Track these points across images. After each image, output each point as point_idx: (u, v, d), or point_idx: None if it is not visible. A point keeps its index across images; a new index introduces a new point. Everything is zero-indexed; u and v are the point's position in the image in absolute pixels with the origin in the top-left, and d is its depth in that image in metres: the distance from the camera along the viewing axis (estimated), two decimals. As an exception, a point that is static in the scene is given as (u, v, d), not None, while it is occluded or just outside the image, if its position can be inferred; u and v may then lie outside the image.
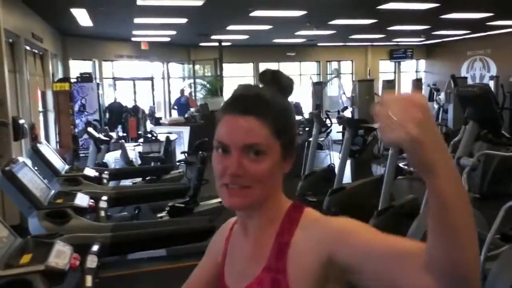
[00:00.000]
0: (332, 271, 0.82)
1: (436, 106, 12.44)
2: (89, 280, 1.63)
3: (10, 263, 1.80)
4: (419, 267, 0.70)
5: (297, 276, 0.84)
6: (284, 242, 0.88)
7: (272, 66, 17.29)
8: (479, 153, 3.95)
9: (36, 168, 3.55)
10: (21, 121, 5.76)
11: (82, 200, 3.02)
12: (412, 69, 19.35)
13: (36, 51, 8.77)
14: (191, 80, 16.20)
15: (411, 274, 0.71)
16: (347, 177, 6.39)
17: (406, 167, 7.79)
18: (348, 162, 6.44)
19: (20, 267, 1.80)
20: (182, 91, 13.48)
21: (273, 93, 0.91)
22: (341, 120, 6.81)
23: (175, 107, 13.25)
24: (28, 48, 7.85)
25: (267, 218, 0.92)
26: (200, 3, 8.07)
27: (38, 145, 3.73)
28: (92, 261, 2.03)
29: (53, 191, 3.11)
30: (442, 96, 11.68)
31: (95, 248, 2.23)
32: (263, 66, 17.30)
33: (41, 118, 9.01)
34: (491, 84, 11.78)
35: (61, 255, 1.93)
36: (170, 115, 13.31)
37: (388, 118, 0.64)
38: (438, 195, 0.65)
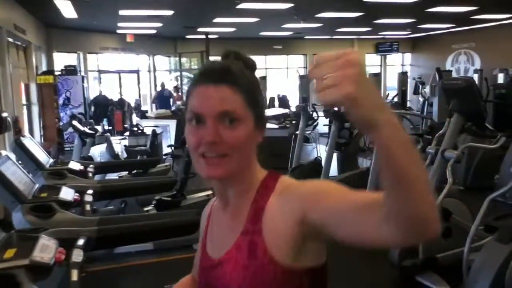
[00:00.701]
0: (307, 229, 0.84)
1: (421, 99, 12.53)
2: (74, 274, 1.61)
3: (-6, 258, 1.78)
4: (379, 218, 0.72)
5: (273, 236, 0.87)
6: (259, 206, 0.91)
7: (259, 59, 17.28)
8: (464, 145, 4.01)
9: (20, 162, 3.50)
10: (4, 114, 5.62)
11: (67, 194, 2.98)
12: (398, 62, 19.47)
13: (19, 43, 8.63)
14: (178, 73, 16.08)
15: (372, 225, 0.74)
16: (333, 170, 6.42)
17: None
18: (335, 155, 6.47)
19: (4, 261, 1.77)
20: (163, 85, 13.40)
21: (241, 66, 0.93)
22: (328, 113, 6.82)
23: (156, 100, 13.10)
24: (10, 40, 7.71)
25: (244, 188, 0.94)
26: (186, -5, 8.01)
27: (22, 138, 3.68)
28: (77, 255, 2.01)
29: (37, 185, 3.07)
30: (427, 89, 11.76)
31: (81, 242, 2.21)
32: (250, 59, 17.24)
33: (25, 111, 8.88)
34: (475, 77, 11.91)
35: (46, 249, 1.91)
36: (157, 108, 13.24)
37: (323, 78, 0.63)
38: (385, 147, 0.66)
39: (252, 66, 0.97)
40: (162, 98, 12.90)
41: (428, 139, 6.16)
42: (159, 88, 13.42)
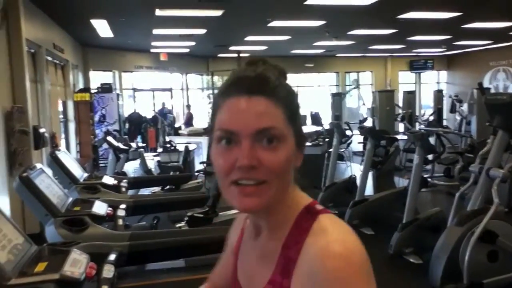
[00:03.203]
0: None
1: (458, 117, 12.19)
2: (105, 290, 1.55)
3: (24, 271, 1.74)
4: None
5: None
6: (290, 258, 0.76)
7: (291, 77, 17.37)
8: (510, 164, 3.79)
9: (55, 175, 3.52)
10: (42, 130, 5.78)
11: (100, 208, 2.96)
12: (433, 80, 19.08)
13: (57, 61, 8.87)
14: (210, 91, 16.24)
15: None
16: (368, 189, 6.23)
17: (430, 179, 7.60)
18: (370, 174, 6.30)
19: (35, 275, 1.74)
20: (163, 104, 14.23)
21: (278, 74, 0.80)
22: (363, 130, 6.67)
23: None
24: (49, 58, 7.94)
25: (278, 220, 0.80)
26: (219, 14, 8.08)
27: (57, 152, 3.70)
28: (108, 271, 1.96)
29: (70, 199, 3.06)
30: (464, 107, 11.45)
31: (112, 257, 2.15)
32: (281, 77, 17.25)
33: (62, 128, 9.08)
34: (516, 95, 11.50)
35: (77, 263, 1.86)
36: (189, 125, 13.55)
37: None
38: None
39: (284, 74, 0.83)
40: (161, 116, 13.54)
41: (468, 158, 5.93)
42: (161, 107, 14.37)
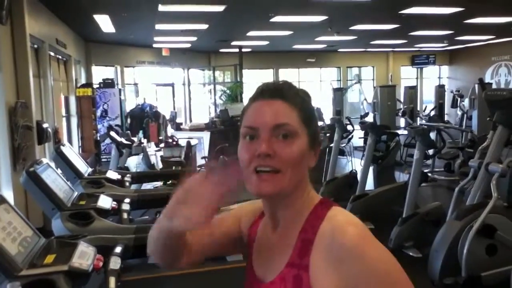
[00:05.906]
0: None
1: (459, 112, 12.22)
2: (112, 281, 1.60)
3: (34, 263, 1.80)
4: None
5: (319, 278, 0.83)
6: (307, 238, 0.87)
7: (292, 72, 17.45)
8: (509, 159, 3.83)
9: (59, 170, 3.56)
10: (45, 125, 5.83)
11: (105, 202, 3.01)
12: (435, 75, 19.07)
13: (60, 56, 8.91)
14: (211, 86, 16.27)
15: None
16: (369, 184, 6.28)
17: (431, 174, 7.63)
18: (371, 169, 6.34)
19: (44, 267, 1.79)
20: (144, 99, 13.76)
21: (296, 89, 0.95)
22: (364, 125, 6.70)
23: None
24: (52, 53, 7.97)
25: (294, 211, 0.91)
26: (221, 9, 8.10)
27: (62, 147, 3.75)
28: (115, 263, 2.01)
29: (76, 193, 3.12)
30: (466, 102, 11.47)
31: (118, 249, 2.20)
32: (283, 72, 17.28)
33: (64, 123, 9.13)
34: (517, 90, 11.49)
35: (84, 256, 1.92)
36: (191, 120, 13.41)
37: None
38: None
39: (305, 92, 0.98)
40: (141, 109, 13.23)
41: (469, 153, 5.97)
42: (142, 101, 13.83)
